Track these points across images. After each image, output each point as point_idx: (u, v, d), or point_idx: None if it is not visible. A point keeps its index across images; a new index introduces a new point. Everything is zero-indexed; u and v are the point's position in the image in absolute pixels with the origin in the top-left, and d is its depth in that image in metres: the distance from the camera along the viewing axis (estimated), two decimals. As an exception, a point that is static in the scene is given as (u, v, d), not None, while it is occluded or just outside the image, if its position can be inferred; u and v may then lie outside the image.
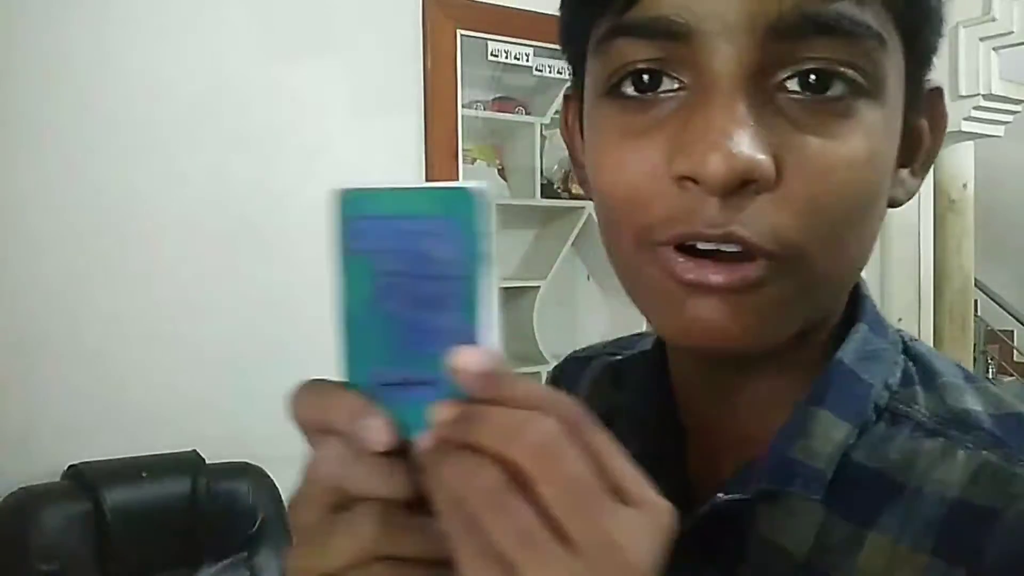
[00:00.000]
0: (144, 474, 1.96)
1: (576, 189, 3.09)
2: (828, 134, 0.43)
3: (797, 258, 0.44)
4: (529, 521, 0.36)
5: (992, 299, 5.08)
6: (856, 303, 0.53)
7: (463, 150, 2.69)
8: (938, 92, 0.53)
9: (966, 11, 2.70)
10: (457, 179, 2.66)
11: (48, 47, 2.04)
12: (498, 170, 3.02)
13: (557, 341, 3.02)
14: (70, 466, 1.98)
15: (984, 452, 0.46)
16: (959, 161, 2.97)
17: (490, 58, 2.79)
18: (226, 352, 2.28)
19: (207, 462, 2.05)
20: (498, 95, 2.96)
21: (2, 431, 2.02)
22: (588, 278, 3.27)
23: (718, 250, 0.44)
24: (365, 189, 0.41)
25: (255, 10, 2.31)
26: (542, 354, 2.93)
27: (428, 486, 0.39)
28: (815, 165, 0.43)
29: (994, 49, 2.70)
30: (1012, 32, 2.65)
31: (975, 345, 3.78)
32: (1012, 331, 5.34)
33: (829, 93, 0.43)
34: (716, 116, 0.42)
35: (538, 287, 2.94)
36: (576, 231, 3.03)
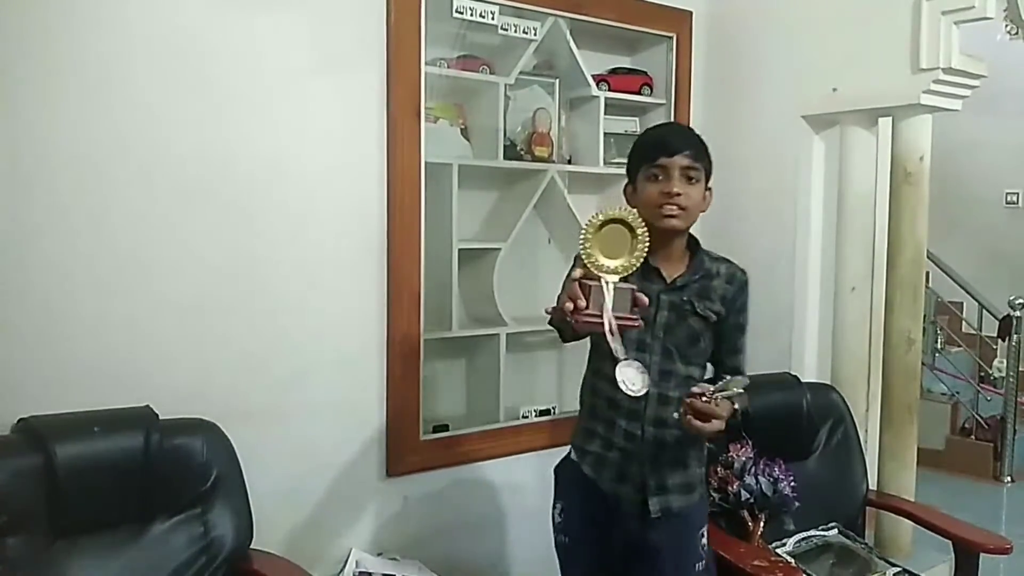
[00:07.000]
0: (96, 428, 1.94)
1: (539, 151, 3.08)
2: (692, 187, 1.90)
3: (686, 214, 1.90)
4: None
5: (943, 271, 5.20)
6: (693, 238, 2.00)
7: (426, 108, 2.66)
8: (710, 189, 1.98)
9: (929, -15, 2.72)
10: (420, 137, 2.63)
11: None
12: (461, 130, 2.98)
13: (517, 304, 3.03)
14: (20, 419, 1.96)
15: (729, 263, 2.02)
16: (917, 134, 2.99)
17: (455, 15, 2.76)
18: (181, 308, 2.25)
19: (160, 418, 2.03)
20: (462, 53, 2.92)
21: (-51, 383, 1.99)
22: (549, 241, 3.26)
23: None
24: None
25: (215, -43, 2.25)
26: (501, 316, 2.93)
27: None
28: (689, 195, 1.90)
29: (955, 23, 2.72)
30: (973, 7, 2.67)
31: (925, 315, 3.85)
32: (961, 303, 5.46)
33: (692, 176, 1.90)
34: (673, 182, 1.89)
35: (499, 249, 2.93)
36: (538, 194, 3.01)
